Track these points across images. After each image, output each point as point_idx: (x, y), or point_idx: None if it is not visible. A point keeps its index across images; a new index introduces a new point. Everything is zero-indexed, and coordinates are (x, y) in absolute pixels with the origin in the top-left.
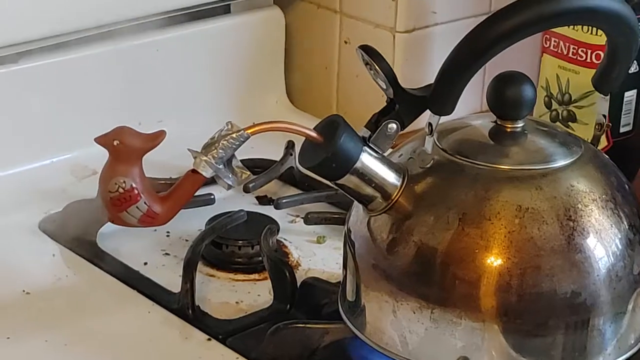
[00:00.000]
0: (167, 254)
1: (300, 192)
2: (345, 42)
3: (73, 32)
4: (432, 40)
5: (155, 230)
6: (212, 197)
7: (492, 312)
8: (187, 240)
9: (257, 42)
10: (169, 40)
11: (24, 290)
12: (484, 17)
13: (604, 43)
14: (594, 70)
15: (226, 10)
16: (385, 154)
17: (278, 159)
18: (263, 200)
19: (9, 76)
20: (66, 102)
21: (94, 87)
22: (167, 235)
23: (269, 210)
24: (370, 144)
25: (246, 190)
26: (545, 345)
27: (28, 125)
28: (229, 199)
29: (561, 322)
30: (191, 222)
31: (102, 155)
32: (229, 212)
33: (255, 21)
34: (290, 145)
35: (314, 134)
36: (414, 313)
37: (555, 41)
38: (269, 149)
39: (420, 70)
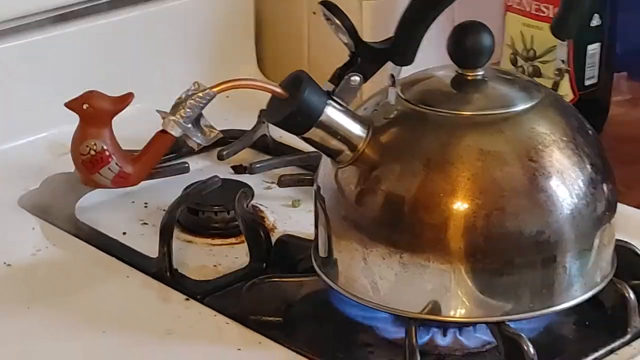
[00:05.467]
0: (145, 223)
1: None
2: (314, 13)
3: (44, 11)
4: (398, 7)
5: (134, 202)
6: (187, 165)
7: (459, 254)
8: (164, 210)
9: (227, 15)
10: (140, 17)
11: (5, 262)
12: None
13: None
14: None
15: None
16: (350, 107)
17: (250, 128)
18: (238, 169)
19: None
20: (40, 82)
21: (67, 66)
22: (145, 206)
23: (245, 179)
24: (334, 97)
25: (220, 157)
26: (512, 283)
27: (2, 106)
28: (205, 169)
29: (527, 260)
30: (168, 192)
31: None
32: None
33: None
34: (263, 114)
35: (278, 90)
36: (384, 259)
37: None
38: (243, 120)
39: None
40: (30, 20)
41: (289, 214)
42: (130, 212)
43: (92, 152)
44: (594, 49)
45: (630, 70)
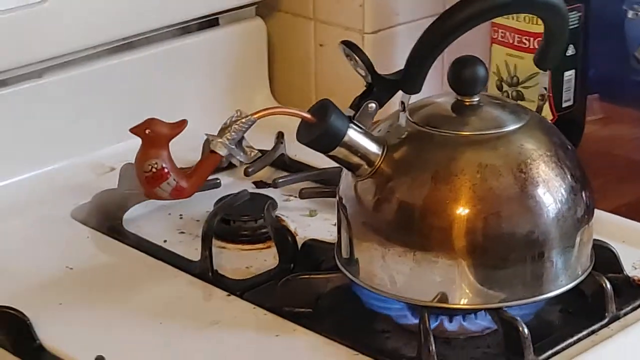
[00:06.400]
0: (182, 232)
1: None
2: (320, 45)
3: (86, 49)
4: (396, 39)
5: (170, 214)
6: (219, 181)
7: (463, 251)
8: (198, 221)
9: (244, 49)
10: (170, 51)
11: (67, 266)
12: None
13: (542, 31)
14: None
15: (215, 23)
16: (368, 129)
17: (270, 148)
18: (260, 184)
19: (34, 90)
20: (84, 111)
21: (106, 96)
22: (181, 217)
23: (266, 192)
24: (354, 121)
25: (246, 174)
26: (508, 276)
27: (51, 132)
28: (231, 185)
29: (520, 256)
30: (200, 205)
31: (116, 154)
32: (234, 193)
33: (241, 31)
34: (280, 135)
35: (308, 116)
36: (400, 257)
37: (502, 32)
38: (263, 140)
39: (388, 65)
40: (73, 57)
41: (308, 223)
42: (169, 223)
43: (154, 170)
44: (569, 75)
45: (602, 92)
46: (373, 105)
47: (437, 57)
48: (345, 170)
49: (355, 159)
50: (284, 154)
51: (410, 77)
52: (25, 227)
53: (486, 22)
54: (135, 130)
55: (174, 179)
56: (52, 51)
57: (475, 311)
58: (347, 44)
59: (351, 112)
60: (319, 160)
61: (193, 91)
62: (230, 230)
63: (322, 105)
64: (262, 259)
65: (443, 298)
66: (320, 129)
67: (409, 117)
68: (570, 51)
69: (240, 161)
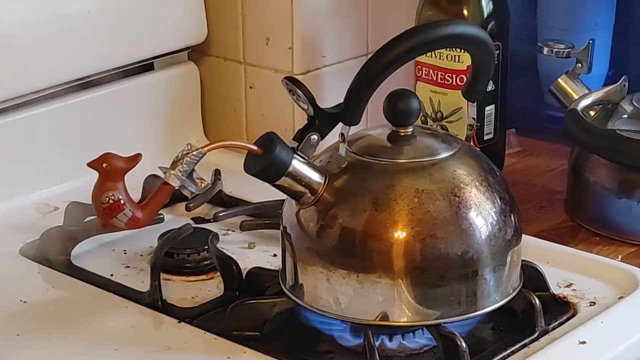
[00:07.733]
0: (127, 266)
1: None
2: (251, 87)
3: (28, 94)
4: (323, 79)
5: (114, 250)
6: (162, 216)
7: (402, 271)
8: (141, 255)
9: (178, 92)
10: (108, 95)
11: (21, 300)
12: (364, 57)
13: (465, 68)
14: (459, 91)
15: (150, 68)
16: (311, 160)
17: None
18: (198, 220)
19: None
20: (26, 153)
21: (48, 138)
22: (125, 253)
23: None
24: (298, 152)
25: (187, 209)
26: (445, 293)
27: None
28: (172, 221)
29: (456, 274)
30: (143, 240)
31: (60, 194)
32: (177, 227)
33: (175, 75)
34: (217, 172)
35: (255, 147)
36: (344, 279)
37: (426, 70)
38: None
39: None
40: (14, 103)
41: (247, 254)
42: (114, 258)
43: (111, 202)
44: (490, 109)
45: (519, 127)
46: (315, 137)
47: (375, 90)
48: (288, 199)
49: (300, 188)
50: (221, 190)
51: (350, 109)
52: None
53: (418, 56)
54: (92, 164)
55: (130, 210)
56: None
57: (414, 328)
58: (290, 79)
59: (295, 144)
60: (255, 196)
61: (131, 132)
62: (174, 263)
63: (268, 137)
64: (206, 289)
65: (385, 317)
66: (267, 160)
67: (349, 148)
68: (491, 87)
69: (191, 191)
